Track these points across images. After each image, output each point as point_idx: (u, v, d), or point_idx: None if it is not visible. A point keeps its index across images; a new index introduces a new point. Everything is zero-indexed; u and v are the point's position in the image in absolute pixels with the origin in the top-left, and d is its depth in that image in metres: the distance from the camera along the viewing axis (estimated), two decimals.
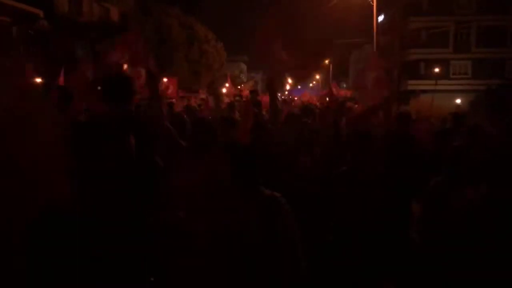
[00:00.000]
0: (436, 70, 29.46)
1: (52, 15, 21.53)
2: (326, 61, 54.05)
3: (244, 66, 61.81)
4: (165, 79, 10.98)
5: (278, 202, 2.31)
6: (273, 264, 2.20)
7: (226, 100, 12.30)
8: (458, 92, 27.67)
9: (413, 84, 31.83)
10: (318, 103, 12.25)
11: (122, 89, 2.65)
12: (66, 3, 23.53)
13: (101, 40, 24.14)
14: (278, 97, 12.41)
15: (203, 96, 11.30)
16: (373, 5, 20.30)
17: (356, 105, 9.69)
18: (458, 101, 25.89)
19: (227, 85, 19.07)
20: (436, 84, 22.85)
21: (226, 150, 2.53)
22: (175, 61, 23.36)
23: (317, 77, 66.26)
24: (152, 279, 2.25)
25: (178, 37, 24.32)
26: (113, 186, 2.25)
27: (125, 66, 4.36)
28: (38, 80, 5.55)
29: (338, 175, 3.28)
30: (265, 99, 10.07)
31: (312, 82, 70.58)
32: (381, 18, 35.36)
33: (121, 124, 2.44)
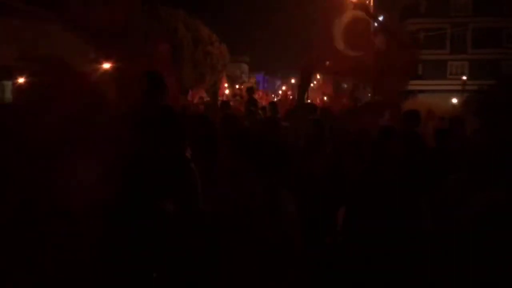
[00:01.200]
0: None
1: (63, 18, 22.23)
2: (327, 62, 54.67)
3: (245, 67, 62.32)
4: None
5: (281, 192, 2.36)
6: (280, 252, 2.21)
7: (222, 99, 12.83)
8: (455, 92, 28.27)
9: (411, 85, 32.50)
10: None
11: (152, 84, 2.77)
12: (76, 6, 24.20)
13: (108, 43, 24.85)
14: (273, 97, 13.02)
15: (202, 95, 11.77)
16: (373, 8, 21.14)
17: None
18: (455, 100, 26.56)
19: (226, 85, 19.77)
20: (464, 85, 23.01)
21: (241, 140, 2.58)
22: (181, 63, 24.11)
23: (318, 77, 66.80)
24: (154, 274, 2.22)
25: (184, 39, 25.11)
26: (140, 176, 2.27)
27: None
28: None
29: (358, 177, 3.15)
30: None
31: (313, 82, 71.07)
32: (380, 20, 36.04)
33: (151, 117, 2.49)
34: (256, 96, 13.08)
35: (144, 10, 25.08)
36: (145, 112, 2.58)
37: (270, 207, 2.27)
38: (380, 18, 34.37)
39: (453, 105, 24.77)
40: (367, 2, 21.56)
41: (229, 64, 35.48)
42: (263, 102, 9.92)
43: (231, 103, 9.56)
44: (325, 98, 16.23)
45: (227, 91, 21.12)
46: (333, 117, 5.62)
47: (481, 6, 31.48)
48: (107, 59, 9.15)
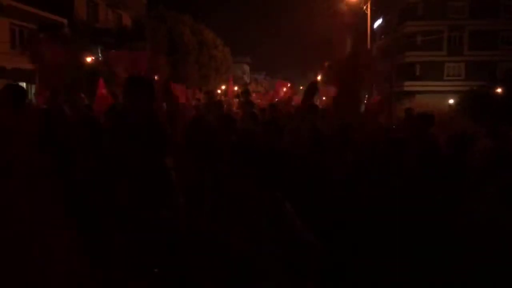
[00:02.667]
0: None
1: (72, 22, 23.05)
2: (326, 63, 55.34)
3: (247, 67, 63.08)
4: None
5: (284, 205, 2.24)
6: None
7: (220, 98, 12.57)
8: (451, 93, 28.96)
9: (409, 86, 33.34)
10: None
11: (140, 90, 2.57)
12: (84, 10, 25.06)
13: (114, 46, 25.62)
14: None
15: (199, 96, 11.72)
16: (370, 12, 22.05)
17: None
18: (451, 101, 27.31)
19: (223, 87, 20.35)
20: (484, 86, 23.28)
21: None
22: (186, 65, 24.93)
23: (318, 77, 67.50)
24: (156, 270, 2.22)
25: (189, 43, 25.95)
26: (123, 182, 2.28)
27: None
28: None
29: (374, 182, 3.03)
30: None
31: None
32: (379, 22, 36.85)
33: (136, 124, 2.42)
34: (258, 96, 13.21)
35: (151, 15, 25.95)
36: (127, 118, 2.52)
37: (273, 220, 2.11)
38: (379, 21, 35.01)
39: (450, 105, 25.58)
40: (365, 6, 22.47)
41: (231, 65, 36.28)
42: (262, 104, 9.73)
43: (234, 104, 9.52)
44: (323, 98, 16.60)
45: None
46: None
47: (477, 9, 32.18)
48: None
